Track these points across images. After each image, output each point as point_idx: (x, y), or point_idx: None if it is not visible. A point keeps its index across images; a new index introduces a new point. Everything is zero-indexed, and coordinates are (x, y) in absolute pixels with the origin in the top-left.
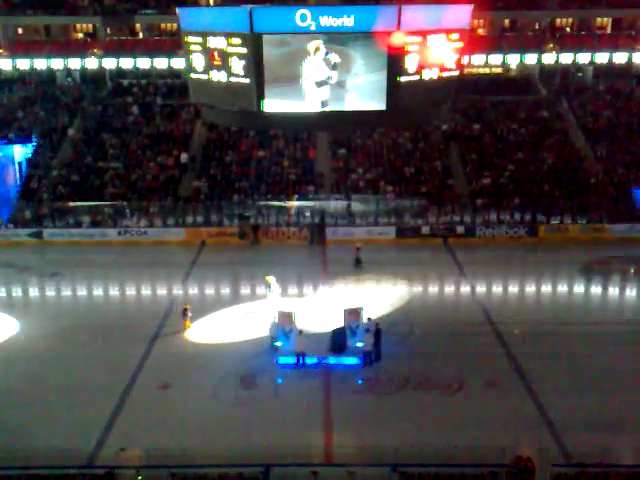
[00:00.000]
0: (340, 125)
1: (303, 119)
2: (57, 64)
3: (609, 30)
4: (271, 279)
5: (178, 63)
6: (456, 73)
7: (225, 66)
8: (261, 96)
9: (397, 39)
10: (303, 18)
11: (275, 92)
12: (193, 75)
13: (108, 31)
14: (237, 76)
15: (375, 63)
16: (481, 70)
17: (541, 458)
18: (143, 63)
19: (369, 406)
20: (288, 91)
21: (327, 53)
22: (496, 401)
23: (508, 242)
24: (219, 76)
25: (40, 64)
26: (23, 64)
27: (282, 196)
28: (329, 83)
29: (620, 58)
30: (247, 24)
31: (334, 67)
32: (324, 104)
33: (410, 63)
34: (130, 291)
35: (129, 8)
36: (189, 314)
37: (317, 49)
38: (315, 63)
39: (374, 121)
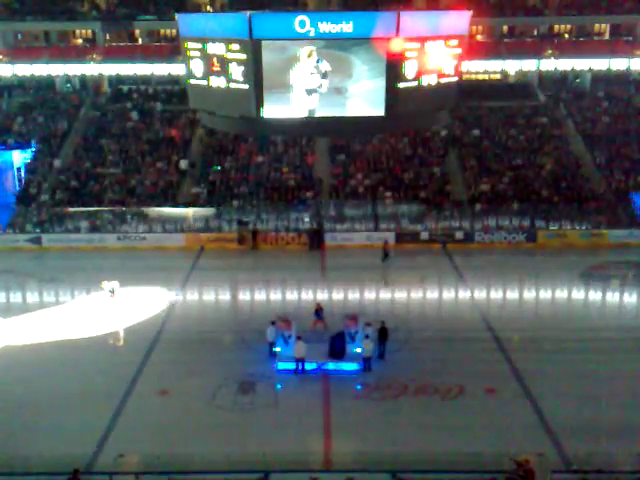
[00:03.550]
0: (339, 131)
1: (302, 125)
2: (56, 70)
3: (607, 36)
4: (113, 284)
5: (177, 69)
6: (455, 79)
7: (224, 72)
8: (260, 102)
9: (396, 45)
10: (302, 24)
11: (272, 98)
12: (192, 81)
13: (107, 37)
14: (236, 82)
15: (374, 69)
16: (480, 76)
17: (540, 464)
18: (142, 69)
19: (368, 412)
20: (282, 98)
21: (319, 61)
22: (495, 407)
23: (507, 248)
24: (218, 82)
25: (39, 70)
26: (22, 70)
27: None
28: (319, 92)
29: (618, 64)
30: (246, 30)
31: (324, 76)
32: (312, 112)
33: (409, 69)
34: (129, 296)
35: (128, 14)
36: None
37: (310, 55)
38: (307, 70)
39: (373, 127)
